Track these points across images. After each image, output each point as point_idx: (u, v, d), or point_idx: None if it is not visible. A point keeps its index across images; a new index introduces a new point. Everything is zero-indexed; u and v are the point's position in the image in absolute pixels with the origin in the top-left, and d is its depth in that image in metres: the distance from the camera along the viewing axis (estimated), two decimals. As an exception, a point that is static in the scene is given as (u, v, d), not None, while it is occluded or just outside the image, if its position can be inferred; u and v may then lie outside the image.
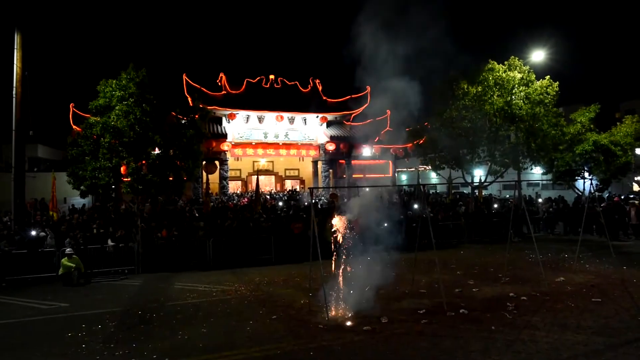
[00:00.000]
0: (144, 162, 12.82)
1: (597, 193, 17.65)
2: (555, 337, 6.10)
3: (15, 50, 13.54)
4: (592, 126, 17.51)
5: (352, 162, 29.94)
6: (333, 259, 8.62)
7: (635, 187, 26.37)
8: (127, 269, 12.15)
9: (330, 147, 28.76)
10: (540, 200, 20.61)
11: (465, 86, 17.78)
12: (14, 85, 13.48)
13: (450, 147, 18.42)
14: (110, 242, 12.25)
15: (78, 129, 16.38)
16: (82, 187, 12.86)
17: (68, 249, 11.13)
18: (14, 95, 13.47)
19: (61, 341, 6.59)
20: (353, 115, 30.45)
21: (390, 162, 30.72)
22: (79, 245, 11.86)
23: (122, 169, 13.18)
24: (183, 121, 14.20)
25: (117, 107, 12.46)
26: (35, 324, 7.63)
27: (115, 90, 12.68)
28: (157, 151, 13.15)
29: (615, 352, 5.59)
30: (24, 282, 11.06)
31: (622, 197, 19.75)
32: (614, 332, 6.29)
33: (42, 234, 12.25)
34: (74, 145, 13.08)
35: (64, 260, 10.84)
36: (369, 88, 29.34)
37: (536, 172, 23.81)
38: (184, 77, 25.85)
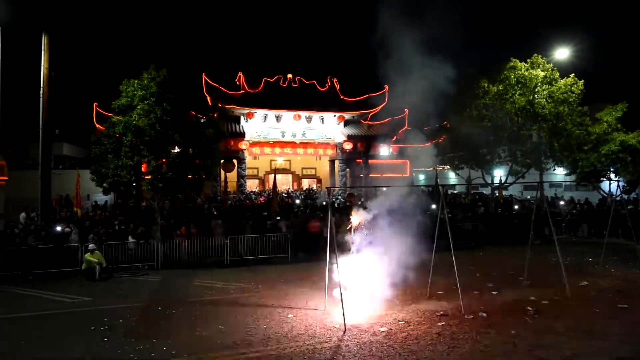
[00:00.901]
0: (164, 160, 13.05)
1: (624, 195, 17.04)
2: (578, 344, 5.93)
3: (42, 52, 13.97)
4: (619, 126, 16.89)
5: (370, 161, 29.77)
6: (350, 258, 8.59)
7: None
8: (147, 265, 12.42)
9: (348, 146, 28.67)
10: (562, 202, 20.02)
11: (486, 85, 17.42)
12: (41, 85, 13.91)
13: (469, 147, 18.08)
14: (130, 239, 12.53)
15: (101, 127, 16.80)
16: (104, 185, 13.18)
17: (91, 245, 11.44)
18: (41, 96, 13.91)
19: (84, 334, 6.79)
20: (371, 114, 30.28)
21: (407, 161, 30.42)
22: (102, 241, 12.18)
23: (143, 167, 13.44)
24: (202, 120, 14.40)
25: (138, 107, 12.72)
26: (59, 316, 7.88)
27: (137, 89, 12.94)
28: (176, 150, 13.37)
29: (642, 360, 5.40)
30: (50, 276, 11.41)
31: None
32: (641, 339, 6.07)
33: (67, 229, 12.63)
34: (97, 144, 13.41)
35: (87, 256, 11.15)
36: (387, 87, 29.13)
37: (559, 173, 23.15)
38: (203, 76, 26.20)
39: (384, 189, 11.23)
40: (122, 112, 13.21)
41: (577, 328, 6.56)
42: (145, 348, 6.12)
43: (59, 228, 12.45)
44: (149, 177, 12.96)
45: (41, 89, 13.90)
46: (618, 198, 13.53)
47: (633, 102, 17.52)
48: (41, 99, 13.91)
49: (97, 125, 22.25)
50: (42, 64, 13.95)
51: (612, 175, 16.94)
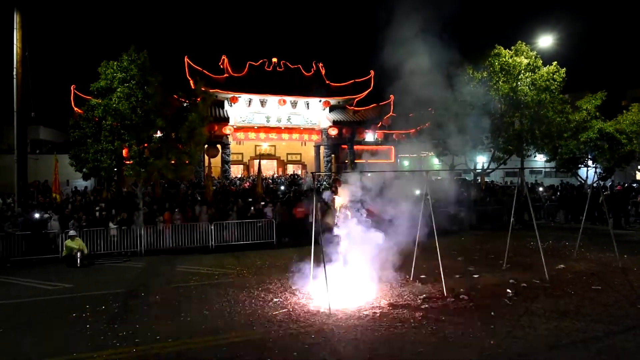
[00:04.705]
0: (146, 145, 12.78)
1: (600, 181, 17.56)
2: (554, 324, 6.15)
3: (15, 30, 13.37)
4: (597, 114, 17.27)
5: (355, 147, 29.81)
6: (334, 243, 8.65)
7: (639, 176, 26.24)
8: (129, 251, 12.26)
9: (333, 131, 28.60)
10: (541, 189, 20.54)
11: (471, 71, 17.52)
12: (15, 66, 13.36)
13: (454, 133, 18.23)
14: (112, 225, 12.33)
15: (80, 111, 16.28)
16: (84, 170, 12.86)
17: (71, 231, 11.22)
18: (14, 76, 13.37)
19: (66, 321, 6.69)
20: (356, 99, 30.18)
21: (393, 147, 30.57)
22: (82, 227, 11.95)
23: (124, 151, 13.14)
24: (185, 104, 14.08)
25: (118, 90, 12.35)
26: (39, 304, 7.74)
27: (116, 72, 12.53)
28: (159, 134, 13.09)
29: (613, 339, 5.64)
30: (29, 263, 11.18)
31: (626, 185, 19.66)
32: (613, 319, 6.33)
33: (46, 215, 12.33)
34: (76, 128, 13.02)
35: (68, 242, 10.94)
36: (372, 72, 29.03)
37: (539, 160, 23.65)
38: (186, 59, 25.57)
39: (369, 174, 11.28)
40: (102, 95, 12.80)
41: (554, 309, 6.80)
42: (129, 334, 6.08)
43: (37, 215, 12.14)
44: (131, 162, 12.69)
45: (14, 69, 13.35)
46: (595, 184, 13.94)
47: (612, 91, 17.90)
48: (15, 80, 13.37)
49: (76, 109, 21.56)
50: (15, 43, 13.36)
51: (590, 162, 17.38)
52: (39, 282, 9.29)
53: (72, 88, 23.24)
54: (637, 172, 26.75)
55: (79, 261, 10.77)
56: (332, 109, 29.63)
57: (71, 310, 7.14)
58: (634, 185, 20.41)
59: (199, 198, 16.69)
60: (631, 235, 14.26)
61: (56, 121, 30.89)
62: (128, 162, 13.01)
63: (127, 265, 11.11)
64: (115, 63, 12.73)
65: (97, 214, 12.96)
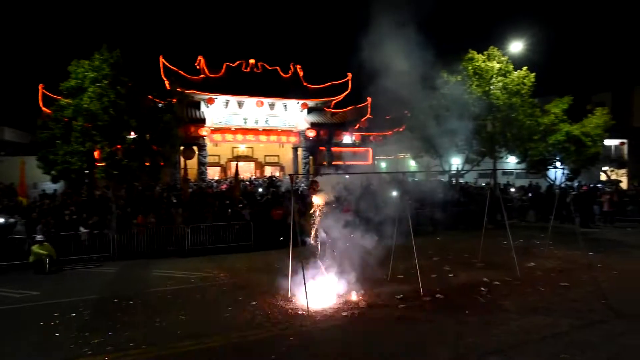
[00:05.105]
0: (119, 146, 12.43)
1: (567, 182, 18.31)
2: (525, 320, 6.37)
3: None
4: (565, 117, 18.01)
5: (332, 149, 29.92)
6: (312, 245, 8.67)
7: (603, 177, 27.46)
8: (102, 256, 11.89)
9: (311, 133, 28.62)
10: (512, 189, 21.20)
11: (445, 75, 17.92)
12: (-23, 63, 12.75)
13: (429, 136, 18.58)
14: (82, 229, 11.92)
15: (48, 111, 15.67)
16: (52, 172, 12.37)
17: (39, 236, 10.78)
18: (-23, 75, 12.76)
19: (34, 330, 6.43)
20: (334, 102, 30.32)
21: (370, 149, 30.87)
22: (51, 232, 11.50)
23: (96, 153, 12.74)
24: (160, 105, 13.79)
25: (90, 89, 11.96)
26: (5, 313, 7.40)
27: (87, 71, 12.14)
28: (132, 135, 12.76)
29: (580, 332, 5.89)
30: (-7, 270, 10.67)
31: (591, 185, 20.54)
32: (580, 314, 6.61)
33: (11, 220, 11.80)
34: (44, 128, 12.51)
35: (35, 248, 10.50)
36: (350, 75, 29.23)
37: (510, 162, 24.38)
38: (161, 59, 25.00)
39: (346, 176, 11.39)
40: (72, 94, 12.36)
41: (525, 305, 7.04)
42: (101, 341, 5.90)
43: (1, 219, 11.60)
44: (103, 164, 12.32)
45: (-23, 67, 12.74)
46: (563, 185, 14.52)
47: (577, 96, 18.75)
48: (-23, 78, 12.75)
49: (44, 109, 20.74)
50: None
51: (558, 164, 18.08)
52: (5, 290, 8.87)
53: (40, 87, 22.34)
54: (601, 173, 27.97)
55: (47, 267, 10.36)
56: (310, 111, 29.66)
57: (40, 319, 6.86)
58: (599, 185, 21.36)
59: (175, 200, 16.35)
60: (596, 233, 14.90)
61: (22, 122, 29.61)
62: (100, 164, 12.62)
63: (99, 271, 10.77)
64: (87, 62, 12.34)
65: (67, 217, 12.50)
